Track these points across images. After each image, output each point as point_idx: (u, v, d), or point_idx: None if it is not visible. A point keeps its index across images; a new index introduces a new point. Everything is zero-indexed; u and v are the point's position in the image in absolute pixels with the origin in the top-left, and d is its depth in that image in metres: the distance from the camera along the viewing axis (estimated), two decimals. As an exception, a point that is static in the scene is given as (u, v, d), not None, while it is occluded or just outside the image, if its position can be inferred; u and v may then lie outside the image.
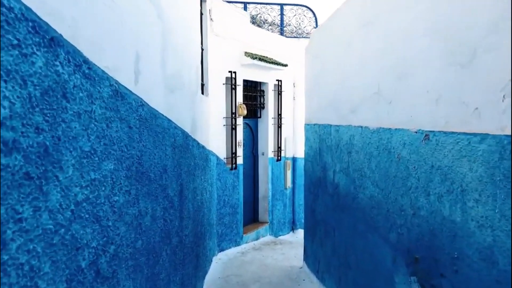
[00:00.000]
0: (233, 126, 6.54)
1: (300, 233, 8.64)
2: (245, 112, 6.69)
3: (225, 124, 6.39)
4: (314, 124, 4.92)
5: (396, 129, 2.61)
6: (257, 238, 7.39)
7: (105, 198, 1.50)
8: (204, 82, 5.41)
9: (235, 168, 6.61)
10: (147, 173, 2.11)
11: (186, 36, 3.64)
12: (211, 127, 5.65)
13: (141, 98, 1.97)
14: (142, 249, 1.99)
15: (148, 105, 2.12)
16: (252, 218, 7.75)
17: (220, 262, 5.74)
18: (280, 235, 8.18)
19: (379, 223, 2.88)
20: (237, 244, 6.76)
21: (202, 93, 5.17)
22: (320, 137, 4.64)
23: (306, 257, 5.49)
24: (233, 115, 6.50)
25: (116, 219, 1.61)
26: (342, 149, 3.77)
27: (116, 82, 1.62)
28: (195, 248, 3.93)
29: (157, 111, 2.31)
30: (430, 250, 2.18)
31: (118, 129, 1.64)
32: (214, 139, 5.91)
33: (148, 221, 2.11)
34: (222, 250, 6.33)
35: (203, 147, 4.70)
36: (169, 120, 2.62)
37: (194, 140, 3.94)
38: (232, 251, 6.49)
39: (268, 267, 5.57)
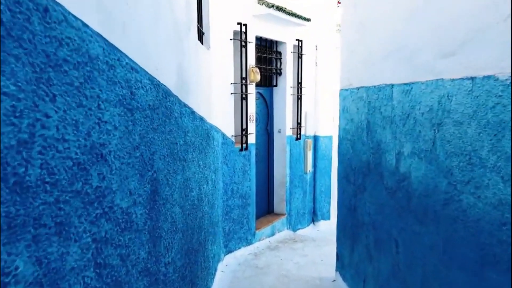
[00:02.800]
0: (244, 95, 5.14)
1: (322, 225, 7.32)
2: (258, 77, 5.27)
3: (233, 92, 4.98)
4: (358, 88, 3.49)
5: None
6: (273, 234, 6.08)
7: None
8: (204, 31, 3.96)
9: (246, 148, 5.25)
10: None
11: None
12: (214, 94, 4.24)
13: None
14: None
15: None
16: (266, 209, 6.42)
17: (227, 271, 4.44)
18: (299, 229, 6.87)
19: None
20: (249, 242, 5.46)
21: (201, 42, 3.73)
22: (370, 104, 3.22)
23: (340, 267, 4.16)
24: (243, 81, 5.09)
25: None
26: (420, 120, 2.36)
27: None
28: (188, 270, 2.60)
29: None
30: None
31: None
32: (219, 111, 4.52)
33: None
34: (230, 251, 5.04)
35: (201, 119, 3.32)
36: (110, 46, 1.23)
37: (184, 105, 2.56)
38: (242, 253, 5.19)
39: (290, 279, 4.25)
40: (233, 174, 5.03)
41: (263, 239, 5.82)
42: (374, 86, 3.12)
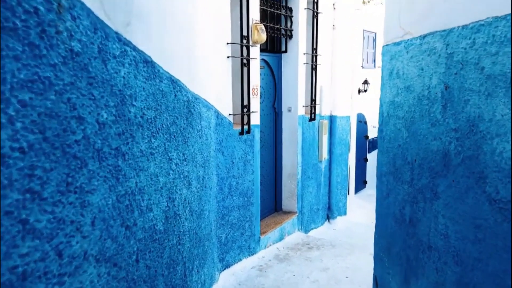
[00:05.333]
0: (245, 61, 3.86)
1: (339, 223, 6.14)
2: (263, 37, 3.98)
3: (230, 55, 3.70)
4: (424, 36, 2.21)
5: None
6: (281, 238, 4.89)
7: None
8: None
9: (248, 131, 4.01)
10: None
11: None
12: (203, 53, 2.96)
13: None
14: None
15: None
16: (273, 207, 5.22)
17: (223, 299, 3.26)
18: (312, 229, 5.68)
19: None
20: (252, 252, 4.27)
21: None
22: (453, 59, 1.95)
23: (382, 299, 2.97)
24: (244, 41, 3.81)
25: None
26: None
27: None
28: None
29: None
30: None
31: None
32: (211, 80, 3.26)
33: None
34: (227, 266, 3.85)
35: (174, 82, 2.06)
36: None
37: (117, 38, 1.29)
38: (243, 266, 4.01)
39: (310, 314, 3.06)
40: (231, 165, 3.80)
41: (270, 245, 4.64)
42: (465, 26, 1.85)
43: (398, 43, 2.60)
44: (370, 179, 10.30)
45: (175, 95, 2.07)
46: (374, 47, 10.08)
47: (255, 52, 4.03)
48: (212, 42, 3.32)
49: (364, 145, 10.04)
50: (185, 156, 2.22)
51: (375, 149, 10.76)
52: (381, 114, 2.99)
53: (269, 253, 4.47)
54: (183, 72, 2.27)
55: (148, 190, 1.63)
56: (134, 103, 1.54)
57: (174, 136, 2.00)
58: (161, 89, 1.83)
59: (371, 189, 10.21)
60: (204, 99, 2.90)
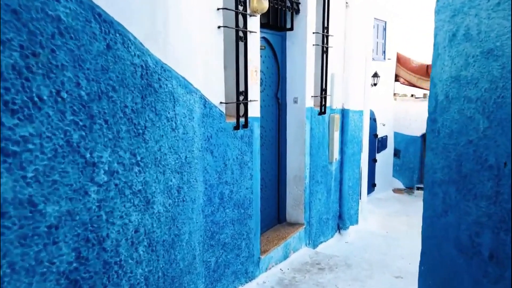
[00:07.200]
0: (241, 34, 3.00)
1: (351, 234, 5.29)
2: (265, 4, 3.11)
3: (221, 25, 2.83)
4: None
5: None
6: (286, 257, 4.02)
7: None
8: None
9: (245, 125, 3.14)
10: None
11: None
12: (179, 15, 2.10)
13: None
14: None
15: None
16: (275, 217, 4.35)
17: None
18: (321, 242, 4.82)
19: None
20: (250, 277, 3.41)
21: None
22: None
23: None
24: (241, 7, 2.95)
25: None
26: None
27: None
28: None
29: None
30: None
31: None
32: (195, 55, 2.40)
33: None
34: (217, 298, 2.99)
35: (117, 31, 1.18)
36: None
37: None
38: (238, 298, 3.15)
39: None
40: (223, 169, 2.93)
41: (272, 267, 3.77)
42: None
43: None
44: (379, 182, 9.47)
45: (108, 45, 1.22)
46: (384, 37, 9.22)
47: (254, 24, 3.17)
48: (196, 3, 2.45)
49: (373, 144, 9.18)
50: (139, 158, 1.37)
51: (384, 149, 9.91)
52: (433, 97, 2.11)
53: (271, 277, 3.60)
54: (135, 20, 1.42)
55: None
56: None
57: (106, 122, 1.16)
58: (61, 18, 0.99)
59: (380, 193, 9.39)
60: (182, 77, 2.04)
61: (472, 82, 1.74)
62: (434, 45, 2.07)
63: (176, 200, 1.90)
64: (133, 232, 1.37)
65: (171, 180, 1.79)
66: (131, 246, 1.37)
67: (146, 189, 1.46)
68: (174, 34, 1.95)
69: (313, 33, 4.15)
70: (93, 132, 1.15)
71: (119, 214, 1.28)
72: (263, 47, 3.78)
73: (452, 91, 1.90)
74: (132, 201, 1.35)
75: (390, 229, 6.37)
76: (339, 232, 5.28)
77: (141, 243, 1.43)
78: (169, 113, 1.75)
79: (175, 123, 1.85)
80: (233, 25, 2.90)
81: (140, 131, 1.42)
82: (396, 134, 10.33)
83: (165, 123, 1.69)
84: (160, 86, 1.62)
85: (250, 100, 3.17)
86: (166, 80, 1.71)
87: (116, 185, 1.26)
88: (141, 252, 1.45)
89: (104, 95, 1.21)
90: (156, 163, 1.56)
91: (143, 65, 1.46)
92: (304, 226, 4.33)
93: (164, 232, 1.68)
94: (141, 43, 1.45)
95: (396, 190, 10.13)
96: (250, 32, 3.08)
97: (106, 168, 1.21)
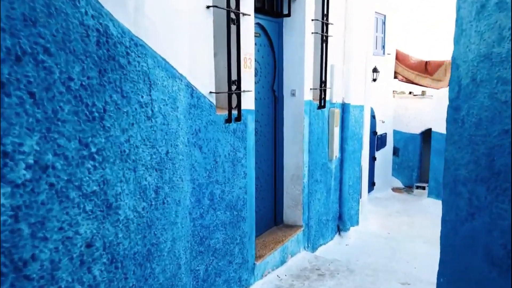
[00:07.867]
0: (233, 15, 2.69)
1: (351, 235, 5.00)
2: (260, -16, 2.81)
3: (210, 4, 2.52)
4: None
5: None
6: (283, 262, 3.72)
7: None
8: None
9: (238, 118, 2.84)
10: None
11: None
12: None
13: None
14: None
15: None
16: (271, 219, 4.04)
17: None
18: (320, 245, 4.52)
19: None
20: (244, 285, 3.10)
21: None
22: None
23: None
24: (232, -12, 2.64)
25: None
26: None
27: None
28: None
29: None
30: None
31: None
32: (179, 35, 2.09)
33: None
34: (207, 310, 2.68)
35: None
36: None
37: None
38: (231, 309, 2.85)
39: None
40: (213, 166, 2.63)
41: (269, 273, 3.47)
42: None
43: None
44: (378, 181, 9.19)
45: (74, 17, 0.91)
46: (384, 31, 8.93)
47: (247, 5, 2.86)
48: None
49: (373, 142, 8.90)
50: (94, 150, 1.07)
51: (383, 147, 9.63)
52: (455, 82, 1.81)
53: (267, 284, 3.30)
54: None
55: None
56: None
57: (32, 95, 0.84)
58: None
59: (379, 192, 9.12)
60: (161, 57, 1.73)
61: (508, 60, 1.44)
62: (457, 20, 1.78)
63: (154, 202, 1.60)
64: (82, 248, 1.06)
65: (145, 179, 1.49)
66: (80, 267, 1.06)
67: (105, 190, 1.15)
68: (152, 5, 1.64)
69: (312, 20, 3.85)
70: (3, 108, 0.84)
71: (57, 225, 0.97)
72: (258, 34, 3.48)
73: (481, 72, 1.60)
74: (81, 206, 1.04)
75: (391, 230, 6.09)
76: (339, 234, 4.99)
77: (97, 260, 1.12)
78: (142, 97, 1.44)
79: (151, 110, 1.54)
80: (224, 5, 2.59)
81: (96, 114, 1.11)
82: (395, 132, 10.06)
83: (136, 109, 1.38)
84: (129, 63, 1.32)
85: (244, 91, 2.86)
86: (139, 57, 1.41)
87: (50, 184, 0.95)
88: (97, 273, 1.14)
89: (29, 56, 0.90)
90: (122, 157, 1.25)
91: (101, 29, 1.15)
92: (302, 228, 4.03)
93: (136, 243, 1.37)
94: (98, 2, 1.14)
95: (396, 189, 9.88)
96: (243, 14, 2.78)
97: (31, 161, 0.90)
